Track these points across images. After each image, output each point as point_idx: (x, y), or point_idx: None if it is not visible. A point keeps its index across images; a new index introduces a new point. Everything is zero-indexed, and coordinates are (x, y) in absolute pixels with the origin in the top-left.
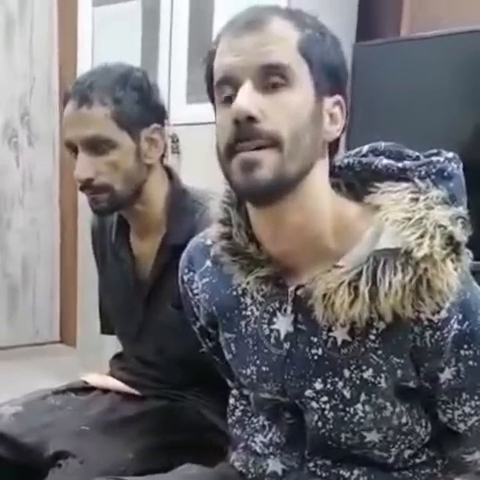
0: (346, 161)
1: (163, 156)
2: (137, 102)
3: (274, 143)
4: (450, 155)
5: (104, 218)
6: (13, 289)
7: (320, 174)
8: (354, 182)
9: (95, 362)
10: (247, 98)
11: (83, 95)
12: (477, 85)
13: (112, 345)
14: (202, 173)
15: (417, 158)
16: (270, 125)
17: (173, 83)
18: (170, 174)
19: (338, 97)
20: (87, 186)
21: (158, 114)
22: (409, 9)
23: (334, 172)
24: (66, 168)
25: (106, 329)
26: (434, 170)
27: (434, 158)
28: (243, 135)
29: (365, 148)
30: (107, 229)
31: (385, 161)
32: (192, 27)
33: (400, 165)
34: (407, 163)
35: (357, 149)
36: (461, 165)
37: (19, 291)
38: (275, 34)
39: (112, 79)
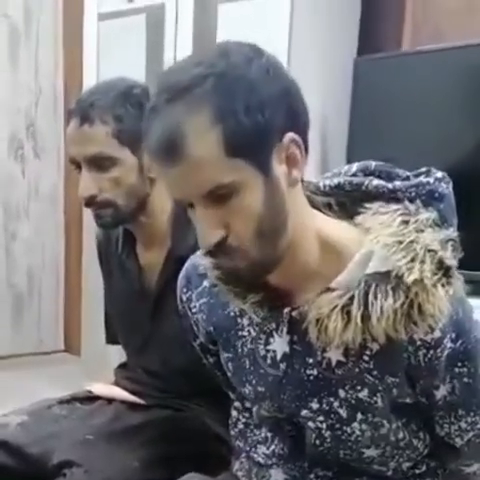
0: (336, 180)
1: None
2: (137, 118)
3: (246, 254)
4: (440, 175)
5: (109, 230)
6: (18, 298)
7: (296, 212)
8: (344, 201)
9: (99, 371)
10: (208, 229)
11: (85, 113)
12: (479, 99)
13: (117, 354)
14: None
15: (407, 178)
16: (236, 240)
17: None
18: None
19: (289, 135)
20: (91, 203)
21: None
22: (411, 23)
23: (325, 191)
24: (71, 179)
25: (111, 339)
26: (424, 191)
27: (424, 179)
28: (214, 255)
29: (355, 167)
30: (113, 240)
31: (375, 182)
32: (196, 41)
33: (390, 186)
34: (397, 184)
35: (346, 167)
36: (451, 185)
37: (24, 300)
38: (197, 159)
39: (112, 97)
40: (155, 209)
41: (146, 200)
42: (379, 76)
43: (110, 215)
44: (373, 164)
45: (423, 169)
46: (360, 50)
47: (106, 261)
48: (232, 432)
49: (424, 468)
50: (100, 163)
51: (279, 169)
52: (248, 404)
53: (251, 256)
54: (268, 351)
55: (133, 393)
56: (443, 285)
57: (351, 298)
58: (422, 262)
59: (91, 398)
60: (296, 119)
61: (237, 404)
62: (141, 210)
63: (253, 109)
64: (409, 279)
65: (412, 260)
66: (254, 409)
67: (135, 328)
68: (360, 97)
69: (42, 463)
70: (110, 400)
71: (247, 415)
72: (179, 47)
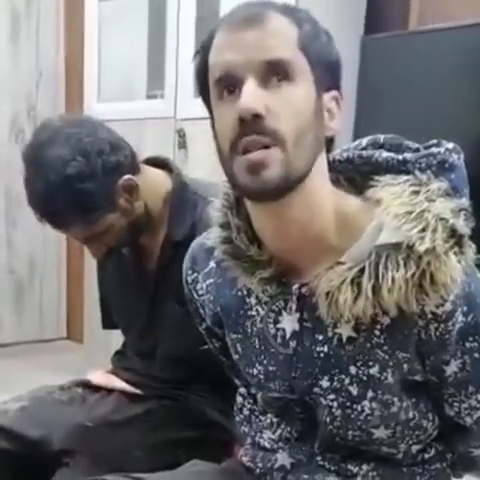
0: (345, 155)
1: (138, 168)
2: (92, 199)
3: (278, 142)
4: (450, 146)
5: None
6: (20, 286)
7: (321, 170)
8: (354, 176)
9: (102, 358)
10: (252, 95)
11: (53, 222)
12: None
13: (119, 341)
14: (209, 167)
15: (417, 150)
16: (275, 123)
17: (180, 77)
18: (169, 168)
19: (334, 92)
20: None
21: (115, 172)
22: (417, 2)
23: (334, 166)
24: None
25: (107, 324)
26: (435, 162)
27: (434, 149)
28: (247, 131)
29: (364, 141)
30: None
31: (385, 154)
32: (199, 20)
33: (400, 158)
34: (407, 155)
35: (356, 142)
36: (462, 155)
37: (26, 288)
38: (275, 29)
39: (61, 205)
40: (149, 204)
41: (141, 215)
42: (386, 55)
43: (123, 245)
44: (382, 137)
45: (434, 141)
46: (367, 29)
47: None
48: (237, 418)
49: (433, 452)
50: (92, 238)
51: (325, 111)
52: (253, 390)
53: (282, 149)
54: (278, 329)
55: (131, 383)
56: (455, 254)
57: (361, 270)
58: (434, 231)
59: (91, 386)
60: (340, 83)
61: (242, 390)
62: (141, 221)
63: (329, 48)
64: (421, 248)
65: (423, 229)
66: (259, 395)
67: (134, 314)
68: (367, 76)
69: (42, 447)
70: (110, 390)
71: (252, 401)
72: (182, 28)
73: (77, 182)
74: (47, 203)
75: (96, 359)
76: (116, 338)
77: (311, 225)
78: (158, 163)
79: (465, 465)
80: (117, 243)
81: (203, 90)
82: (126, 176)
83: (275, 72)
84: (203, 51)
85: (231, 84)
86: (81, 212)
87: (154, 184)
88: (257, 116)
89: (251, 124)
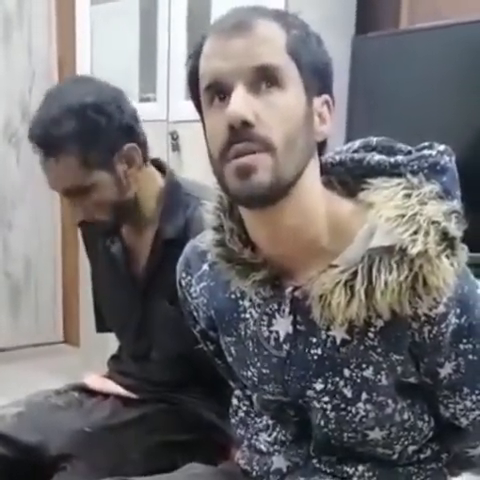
0: (338, 158)
1: (145, 160)
2: (98, 137)
3: (267, 148)
4: (442, 148)
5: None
6: (15, 289)
7: (312, 175)
8: (347, 179)
9: (99, 361)
10: (241, 102)
11: (46, 146)
12: (477, 76)
13: (115, 344)
14: (203, 169)
15: (409, 152)
16: (264, 130)
17: (172, 79)
18: (162, 168)
19: (325, 96)
20: (82, 224)
21: (126, 134)
22: (408, 1)
23: (326, 169)
24: None
25: (102, 327)
26: (426, 164)
27: (426, 152)
28: (237, 139)
29: (356, 144)
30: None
31: (377, 157)
32: (190, 22)
33: (392, 160)
34: (399, 158)
35: (348, 145)
36: (454, 158)
37: (21, 291)
38: (263, 36)
39: (68, 126)
40: (141, 198)
41: (131, 202)
42: (377, 54)
43: (101, 229)
44: (374, 140)
45: (425, 143)
46: (358, 29)
47: (91, 246)
48: (233, 420)
49: (428, 452)
50: (76, 192)
51: (315, 116)
52: (248, 392)
53: (272, 156)
54: (271, 332)
55: (127, 387)
56: (447, 257)
57: (354, 273)
58: (426, 234)
59: (88, 390)
60: (331, 87)
61: (238, 392)
62: (131, 206)
63: (318, 52)
64: (413, 251)
65: (415, 232)
66: (254, 397)
67: (127, 316)
68: (358, 76)
69: (39, 453)
70: (106, 394)
71: (248, 403)
72: (173, 30)
73: (92, 111)
74: (54, 124)
75: (93, 362)
76: (113, 341)
77: (304, 230)
78: (153, 164)
79: (461, 465)
80: (99, 219)
81: (195, 96)
82: (133, 144)
83: (264, 78)
84: (193, 58)
85: (221, 91)
86: (81, 143)
87: (149, 182)
88: (246, 123)
89: (241, 131)
